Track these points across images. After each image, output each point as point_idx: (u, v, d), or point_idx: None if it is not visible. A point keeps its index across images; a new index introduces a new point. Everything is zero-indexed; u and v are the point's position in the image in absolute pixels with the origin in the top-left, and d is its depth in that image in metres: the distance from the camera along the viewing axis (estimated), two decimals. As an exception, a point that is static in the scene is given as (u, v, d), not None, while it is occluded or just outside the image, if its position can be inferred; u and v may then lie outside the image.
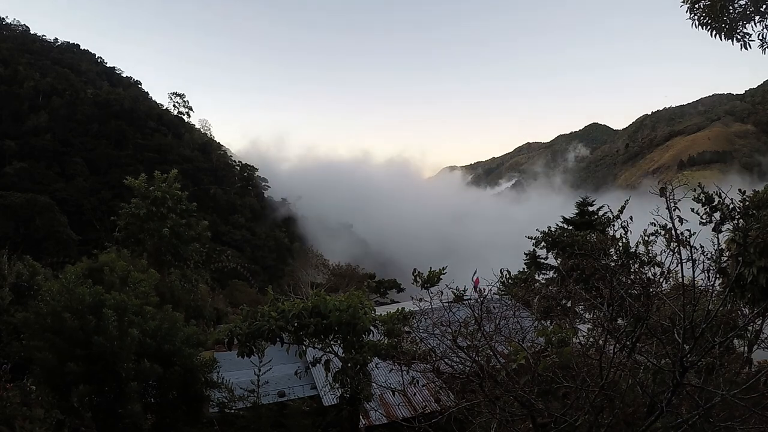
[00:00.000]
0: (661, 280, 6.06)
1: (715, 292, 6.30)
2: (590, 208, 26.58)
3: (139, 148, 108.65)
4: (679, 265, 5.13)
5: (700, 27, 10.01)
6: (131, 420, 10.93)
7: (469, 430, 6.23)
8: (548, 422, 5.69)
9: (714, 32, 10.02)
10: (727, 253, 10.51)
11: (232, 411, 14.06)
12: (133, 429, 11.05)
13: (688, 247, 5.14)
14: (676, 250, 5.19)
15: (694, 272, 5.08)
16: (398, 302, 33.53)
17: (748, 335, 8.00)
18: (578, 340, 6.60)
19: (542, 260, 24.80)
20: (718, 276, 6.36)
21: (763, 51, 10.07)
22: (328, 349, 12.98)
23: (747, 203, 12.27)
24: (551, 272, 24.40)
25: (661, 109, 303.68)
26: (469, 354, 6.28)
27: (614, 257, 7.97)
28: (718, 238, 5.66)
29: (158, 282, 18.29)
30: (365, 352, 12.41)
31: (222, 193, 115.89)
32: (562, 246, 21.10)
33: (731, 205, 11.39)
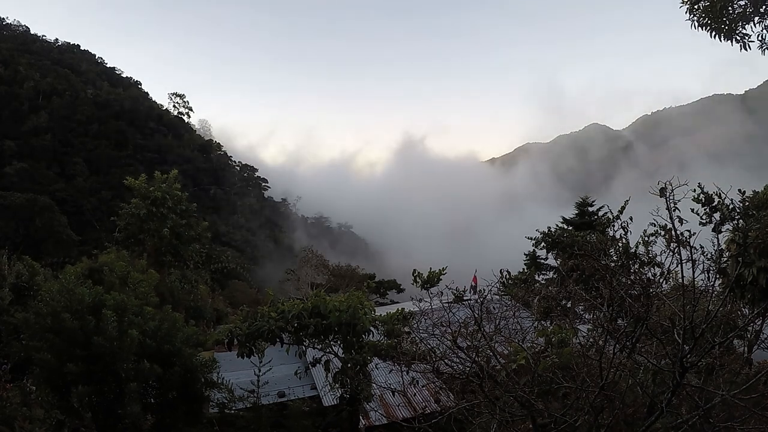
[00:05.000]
0: (661, 280, 6.06)
1: (715, 292, 6.29)
2: (590, 209, 26.61)
3: (139, 148, 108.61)
4: (679, 265, 5.13)
5: (699, 28, 10.03)
6: (131, 420, 10.92)
7: (469, 430, 6.23)
8: (548, 423, 5.69)
9: (714, 33, 10.04)
10: (727, 254, 10.53)
11: (232, 411, 14.06)
12: (133, 429, 11.05)
13: (688, 248, 5.14)
14: (676, 250, 5.19)
15: (694, 273, 5.08)
16: (398, 303, 33.51)
17: (748, 335, 7.99)
18: (578, 341, 6.60)
19: (542, 261, 24.83)
20: (718, 276, 6.36)
21: (763, 52, 10.10)
22: (327, 350, 12.98)
23: (747, 203, 12.27)
24: (551, 273, 24.42)
25: (661, 109, 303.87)
26: (469, 354, 6.28)
27: (614, 258, 7.98)
28: (718, 238, 5.66)
29: (158, 282, 18.29)
30: (365, 353, 12.40)
31: (222, 193, 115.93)
32: (562, 246, 21.09)
33: (731, 206, 11.38)
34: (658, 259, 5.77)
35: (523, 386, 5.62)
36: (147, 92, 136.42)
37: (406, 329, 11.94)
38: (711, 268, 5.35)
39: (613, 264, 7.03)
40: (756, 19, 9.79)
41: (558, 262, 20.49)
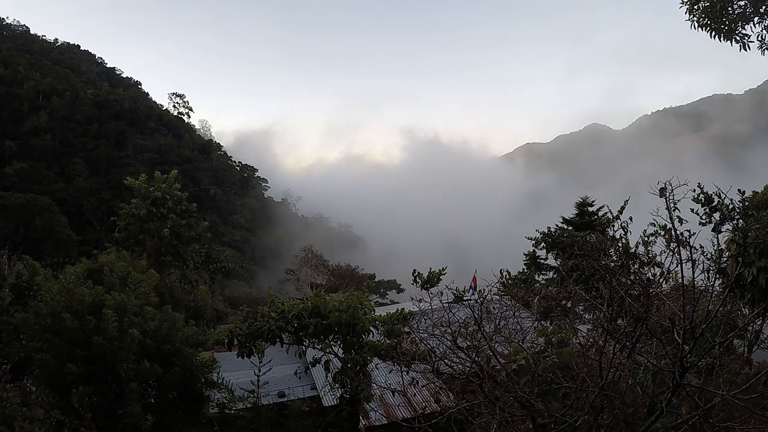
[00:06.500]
0: (661, 280, 6.07)
1: (715, 292, 6.30)
2: (590, 209, 26.60)
3: (139, 148, 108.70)
4: (679, 265, 5.13)
5: (699, 28, 10.05)
6: (131, 420, 10.92)
7: (469, 430, 6.23)
8: (548, 423, 5.70)
9: (713, 33, 10.05)
10: (726, 254, 10.52)
11: (232, 411, 14.06)
12: (133, 429, 11.05)
13: (687, 248, 5.15)
14: (675, 250, 5.20)
15: (693, 272, 5.08)
16: (398, 303, 33.51)
17: (748, 335, 7.99)
18: (578, 341, 6.60)
19: (542, 261, 24.83)
20: (717, 276, 6.36)
21: (763, 52, 10.11)
22: (327, 350, 12.99)
23: (746, 203, 12.28)
24: (551, 273, 24.42)
25: (660, 109, 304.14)
26: (469, 354, 6.29)
27: (614, 257, 7.99)
28: (717, 238, 5.68)
29: (158, 282, 18.28)
30: (365, 353, 12.41)
31: (222, 193, 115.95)
32: (561, 246, 21.10)
33: (731, 206, 11.40)
34: (658, 259, 5.77)
35: (523, 386, 5.62)
36: (147, 92, 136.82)
37: (406, 329, 11.94)
38: (711, 268, 5.35)
39: (613, 264, 7.03)
40: (756, 19, 9.80)
41: (558, 262, 20.50)
